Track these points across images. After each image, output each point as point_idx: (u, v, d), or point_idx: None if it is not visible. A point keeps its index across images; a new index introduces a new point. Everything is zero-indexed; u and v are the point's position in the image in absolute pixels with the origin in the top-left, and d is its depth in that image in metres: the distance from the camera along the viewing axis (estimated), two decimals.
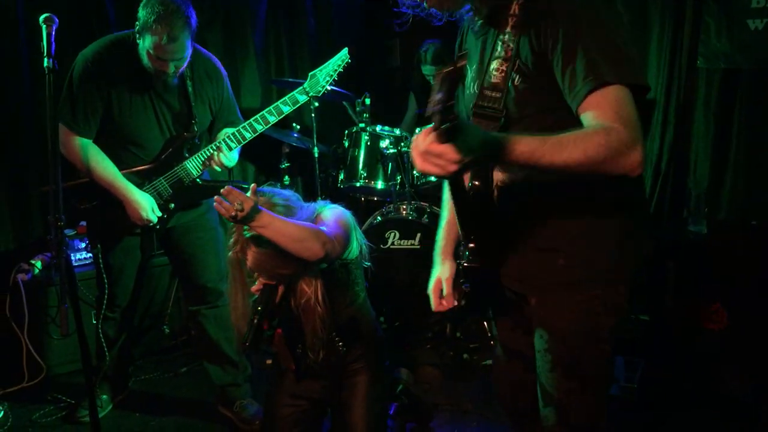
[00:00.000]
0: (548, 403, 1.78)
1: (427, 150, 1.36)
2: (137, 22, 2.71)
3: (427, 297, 2.14)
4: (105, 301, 3.13)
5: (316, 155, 4.38)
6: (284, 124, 4.92)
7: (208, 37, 4.55)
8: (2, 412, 3.31)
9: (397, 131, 4.11)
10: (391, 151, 3.96)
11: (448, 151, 1.34)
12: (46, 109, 2.20)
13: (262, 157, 5.18)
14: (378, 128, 4.07)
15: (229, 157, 2.97)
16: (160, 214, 2.93)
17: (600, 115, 1.46)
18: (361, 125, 4.10)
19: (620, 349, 3.53)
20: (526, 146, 1.42)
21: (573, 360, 1.72)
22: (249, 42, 4.93)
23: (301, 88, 3.01)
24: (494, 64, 1.66)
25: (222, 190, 2.07)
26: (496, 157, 1.43)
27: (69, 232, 3.70)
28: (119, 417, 3.27)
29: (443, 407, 3.19)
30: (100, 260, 3.01)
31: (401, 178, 4.01)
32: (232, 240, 2.33)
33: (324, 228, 2.23)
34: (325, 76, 3.04)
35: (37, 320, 3.62)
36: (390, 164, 4.00)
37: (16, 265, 3.63)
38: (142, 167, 2.91)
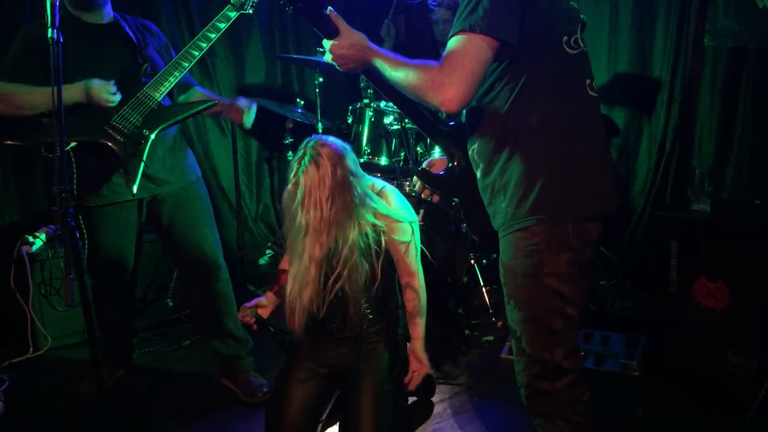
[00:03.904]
0: (511, 335, 1.97)
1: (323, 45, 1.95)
2: None
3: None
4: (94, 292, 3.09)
5: (320, 131, 4.37)
6: (288, 99, 4.92)
7: (211, 12, 4.52)
8: (7, 383, 3.34)
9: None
10: (395, 127, 3.94)
11: (332, 48, 1.92)
12: (51, 80, 2.19)
13: (266, 133, 5.18)
14: (382, 104, 4.05)
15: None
16: (114, 90, 2.78)
17: (444, 55, 1.76)
18: (365, 101, 4.08)
19: (622, 326, 3.57)
20: (381, 57, 1.89)
21: (520, 293, 1.91)
22: (253, 18, 4.90)
23: (229, 5, 3.00)
24: None
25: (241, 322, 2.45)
26: (366, 59, 1.91)
27: None
28: (123, 389, 3.30)
29: (444, 382, 3.22)
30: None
31: (405, 154, 4.00)
32: (291, 183, 2.34)
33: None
34: None
35: (41, 292, 3.64)
36: (394, 140, 3.99)
37: (20, 237, 3.65)
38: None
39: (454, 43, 1.75)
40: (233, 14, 2.99)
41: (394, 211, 2.47)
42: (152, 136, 2.85)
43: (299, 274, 2.41)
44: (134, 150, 2.80)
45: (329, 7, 1.92)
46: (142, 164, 2.81)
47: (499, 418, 2.95)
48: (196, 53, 2.92)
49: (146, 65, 2.90)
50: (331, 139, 2.37)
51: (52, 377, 3.45)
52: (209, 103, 3.01)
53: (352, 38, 1.91)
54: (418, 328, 2.58)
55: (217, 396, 3.21)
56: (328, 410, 2.62)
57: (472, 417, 2.96)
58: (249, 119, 3.14)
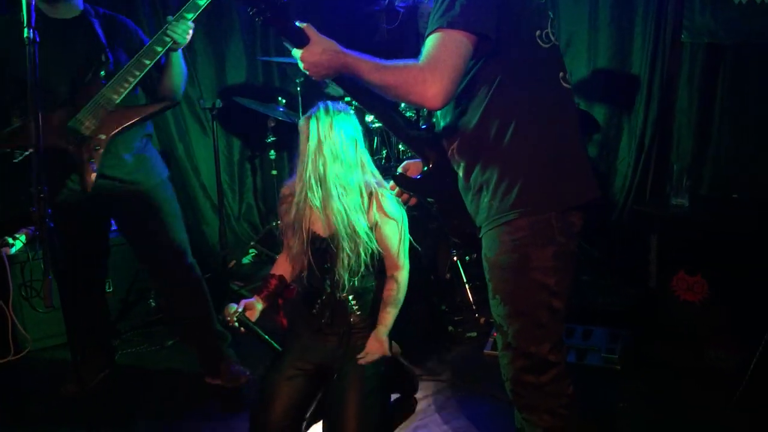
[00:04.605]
0: (496, 329, 1.98)
1: (293, 54, 1.89)
2: None
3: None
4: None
5: None
6: (270, 97, 4.91)
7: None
8: None
9: None
10: (377, 125, 3.95)
11: (304, 56, 1.85)
12: (27, 80, 2.17)
13: (248, 131, 5.17)
14: None
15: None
16: None
17: (421, 54, 1.76)
18: (347, 99, 4.08)
19: (603, 321, 3.60)
20: (356, 60, 1.81)
21: (506, 287, 1.92)
22: (234, 17, 4.89)
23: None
24: None
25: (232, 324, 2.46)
26: (340, 64, 1.83)
27: None
28: (106, 390, 3.28)
29: (428, 379, 3.23)
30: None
31: (387, 152, 4.01)
32: (302, 119, 2.49)
33: None
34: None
35: (22, 294, 3.61)
36: (376, 138, 4.01)
37: None
38: (65, 105, 2.77)
39: (433, 40, 1.75)
40: (203, 2, 2.79)
41: (388, 185, 2.55)
42: (108, 141, 2.80)
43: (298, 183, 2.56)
44: (88, 156, 2.76)
45: (297, 22, 1.88)
46: (97, 169, 2.77)
47: (482, 414, 2.96)
48: (160, 49, 2.78)
49: (105, 64, 2.80)
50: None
51: (34, 379, 3.42)
52: (166, 104, 2.98)
53: (323, 44, 1.86)
54: (388, 317, 2.57)
55: (201, 395, 3.20)
56: (313, 407, 2.63)
57: (455, 413, 2.98)
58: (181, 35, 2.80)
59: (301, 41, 1.86)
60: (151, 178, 3.03)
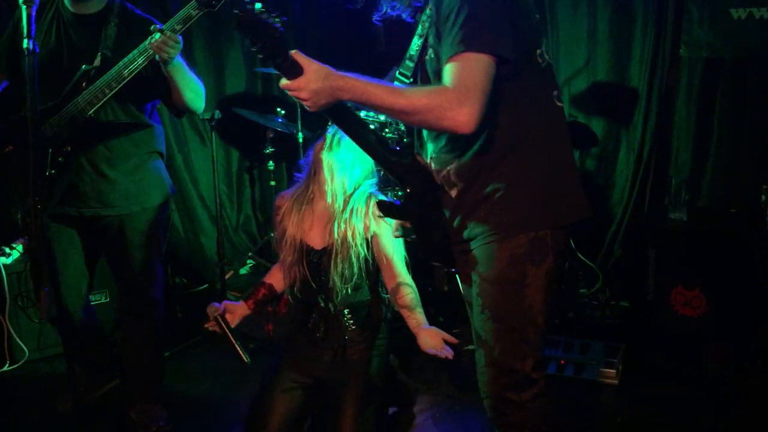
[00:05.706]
0: (479, 346, 1.96)
1: (285, 87, 1.76)
2: None
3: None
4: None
5: (301, 140, 4.38)
6: (269, 108, 4.92)
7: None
8: None
9: (382, 117, 4.08)
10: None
11: (295, 86, 1.74)
12: (27, 90, 2.17)
13: (247, 142, 5.17)
14: (362, 114, 4.04)
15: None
16: None
17: (447, 77, 1.71)
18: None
19: (601, 334, 3.59)
20: (361, 84, 1.74)
21: (498, 303, 1.89)
22: (233, 26, 4.90)
23: (193, 2, 2.59)
24: (415, 39, 1.98)
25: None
26: (345, 89, 1.74)
27: None
28: (102, 402, 3.25)
29: (425, 391, 3.22)
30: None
31: None
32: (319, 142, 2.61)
33: None
34: None
35: (18, 304, 3.60)
36: None
37: None
38: (48, 105, 2.62)
39: (459, 64, 1.70)
40: (195, 12, 2.59)
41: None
42: (75, 155, 2.67)
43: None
44: (52, 167, 2.62)
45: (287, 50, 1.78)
46: (57, 187, 2.66)
47: (479, 427, 2.94)
48: (142, 60, 2.60)
49: (88, 72, 2.64)
50: None
51: (30, 390, 3.40)
52: (148, 125, 2.86)
53: (323, 70, 1.74)
54: (420, 316, 2.52)
55: (194, 409, 3.19)
56: (309, 420, 2.62)
57: (452, 426, 2.97)
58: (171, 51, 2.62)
59: (295, 72, 1.74)
60: (137, 203, 2.85)
